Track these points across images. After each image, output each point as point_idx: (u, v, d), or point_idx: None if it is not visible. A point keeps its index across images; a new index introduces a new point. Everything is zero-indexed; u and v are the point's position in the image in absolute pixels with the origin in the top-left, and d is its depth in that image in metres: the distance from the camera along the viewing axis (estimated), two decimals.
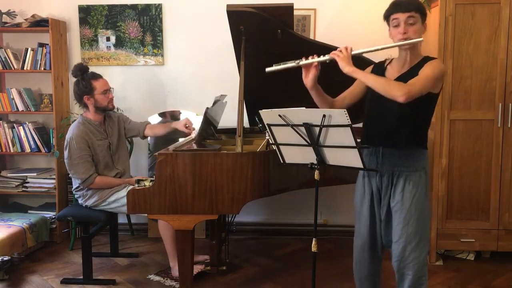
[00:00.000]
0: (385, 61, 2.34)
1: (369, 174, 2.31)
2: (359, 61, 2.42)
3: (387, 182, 2.25)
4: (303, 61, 2.19)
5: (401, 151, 2.20)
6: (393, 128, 2.20)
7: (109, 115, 3.38)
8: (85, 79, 3.19)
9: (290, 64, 2.19)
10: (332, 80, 2.27)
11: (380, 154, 2.25)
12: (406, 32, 2.11)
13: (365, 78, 2.11)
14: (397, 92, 2.01)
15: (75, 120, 3.96)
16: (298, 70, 2.24)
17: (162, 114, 4.13)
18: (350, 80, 2.25)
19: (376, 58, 2.61)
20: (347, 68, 2.10)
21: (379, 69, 2.30)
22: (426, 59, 2.18)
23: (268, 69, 2.23)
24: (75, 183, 3.22)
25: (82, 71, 3.20)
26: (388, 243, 2.31)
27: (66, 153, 3.13)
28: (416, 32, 2.11)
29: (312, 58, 2.19)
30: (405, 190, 2.19)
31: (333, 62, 2.13)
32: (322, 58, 2.16)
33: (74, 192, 3.30)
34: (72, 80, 4.10)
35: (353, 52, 2.14)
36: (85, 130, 3.18)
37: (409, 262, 2.21)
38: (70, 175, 3.23)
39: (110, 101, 3.28)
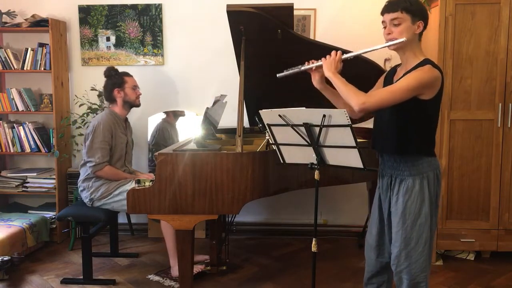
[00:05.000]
0: (400, 64, 2.29)
1: (380, 175, 2.32)
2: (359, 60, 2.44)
3: (387, 185, 2.27)
4: (304, 66, 2.27)
5: (396, 156, 2.19)
6: (384, 134, 2.22)
7: (127, 119, 3.52)
8: (118, 74, 3.39)
9: (295, 69, 2.29)
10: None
11: (381, 157, 2.30)
12: (390, 33, 2.10)
13: (336, 83, 2.12)
14: (352, 102, 2.05)
15: (75, 120, 3.98)
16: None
17: (166, 113, 4.14)
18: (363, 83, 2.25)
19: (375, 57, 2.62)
20: (327, 72, 2.15)
21: (392, 71, 2.29)
22: (422, 63, 2.09)
23: (278, 75, 2.32)
24: (84, 172, 3.26)
25: (115, 70, 3.42)
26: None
27: (90, 136, 3.22)
28: (401, 33, 2.07)
29: (311, 63, 2.25)
30: (399, 195, 2.19)
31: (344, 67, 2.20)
32: (316, 63, 2.24)
33: (79, 185, 3.30)
34: (73, 80, 4.17)
35: (343, 56, 2.17)
36: (113, 120, 3.32)
37: (405, 267, 2.19)
38: (82, 162, 3.28)
39: (138, 97, 3.44)
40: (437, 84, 2.08)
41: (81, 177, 3.29)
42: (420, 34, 2.14)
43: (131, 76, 3.44)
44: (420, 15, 2.10)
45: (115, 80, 3.35)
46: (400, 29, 2.08)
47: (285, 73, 2.30)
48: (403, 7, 2.06)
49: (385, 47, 2.13)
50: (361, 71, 2.52)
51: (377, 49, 2.17)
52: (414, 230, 2.16)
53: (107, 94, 3.41)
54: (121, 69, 4.03)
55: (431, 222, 2.18)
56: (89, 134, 3.24)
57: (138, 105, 3.47)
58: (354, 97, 2.04)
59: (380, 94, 2.07)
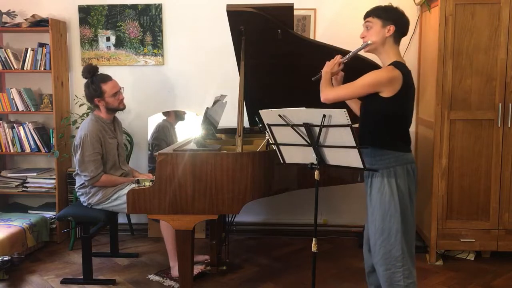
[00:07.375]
0: None
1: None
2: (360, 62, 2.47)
3: (366, 179, 2.39)
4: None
5: (369, 150, 2.29)
6: (359, 128, 2.36)
7: (115, 118, 3.40)
8: (95, 82, 3.16)
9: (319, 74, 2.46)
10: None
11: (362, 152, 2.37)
12: (364, 36, 2.32)
13: (322, 79, 2.36)
14: (321, 94, 2.30)
15: (75, 120, 3.98)
16: (298, 70, 2.33)
17: (166, 113, 4.14)
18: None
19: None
20: (323, 72, 2.38)
21: None
22: (390, 64, 2.25)
23: (313, 78, 2.47)
24: (80, 180, 3.22)
25: (91, 73, 3.18)
26: None
27: (79, 150, 3.12)
28: (372, 36, 2.28)
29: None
30: (372, 187, 2.32)
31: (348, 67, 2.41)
32: None
33: (77, 190, 3.29)
34: (73, 80, 4.16)
35: (341, 60, 2.39)
36: (99, 127, 3.19)
37: (380, 257, 2.29)
38: (76, 172, 3.22)
39: (121, 102, 3.28)
40: (396, 83, 2.19)
41: (77, 185, 3.26)
42: (395, 38, 2.29)
43: (109, 80, 3.20)
44: (390, 19, 2.27)
45: (93, 91, 3.15)
46: (371, 33, 2.28)
47: (317, 76, 2.45)
48: (375, 13, 2.30)
49: (359, 50, 2.34)
50: (363, 71, 2.55)
51: (354, 52, 2.36)
52: (385, 222, 2.27)
53: (89, 101, 3.26)
54: (121, 69, 4.07)
55: (404, 215, 2.26)
56: (77, 147, 3.13)
57: (122, 109, 3.32)
58: (323, 91, 2.31)
59: (338, 90, 2.32)
